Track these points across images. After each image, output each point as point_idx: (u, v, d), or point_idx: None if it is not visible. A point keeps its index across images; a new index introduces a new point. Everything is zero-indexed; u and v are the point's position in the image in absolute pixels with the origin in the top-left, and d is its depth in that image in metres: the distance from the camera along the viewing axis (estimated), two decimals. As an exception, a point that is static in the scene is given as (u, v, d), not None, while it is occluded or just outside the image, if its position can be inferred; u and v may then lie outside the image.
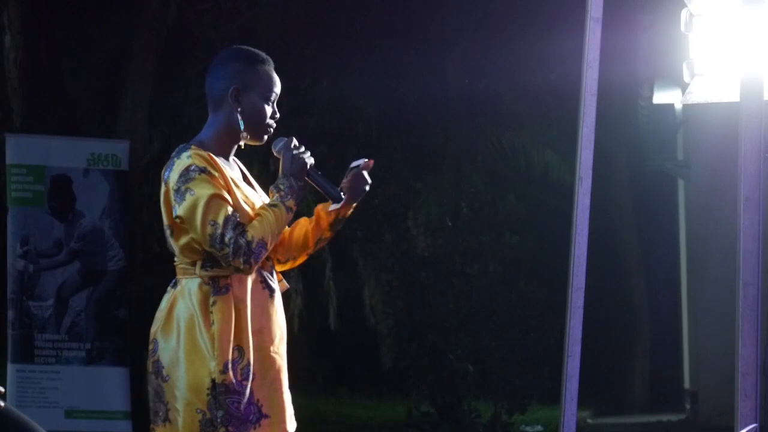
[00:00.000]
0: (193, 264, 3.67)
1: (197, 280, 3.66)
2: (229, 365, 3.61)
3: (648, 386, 15.78)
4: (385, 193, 14.25)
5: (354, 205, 3.87)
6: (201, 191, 3.60)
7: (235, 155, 3.84)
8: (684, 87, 5.14)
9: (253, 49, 3.81)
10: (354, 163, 3.87)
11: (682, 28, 4.96)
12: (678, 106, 13.55)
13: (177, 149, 3.72)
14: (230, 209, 3.61)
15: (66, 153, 9.24)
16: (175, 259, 3.72)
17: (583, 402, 5.02)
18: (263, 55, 3.79)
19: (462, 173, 13.81)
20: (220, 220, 3.58)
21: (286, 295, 3.90)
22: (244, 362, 3.64)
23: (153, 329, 3.71)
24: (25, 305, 9.03)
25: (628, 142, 15.34)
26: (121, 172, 9.28)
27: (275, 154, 3.80)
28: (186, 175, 3.62)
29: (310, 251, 3.89)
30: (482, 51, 12.29)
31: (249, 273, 3.66)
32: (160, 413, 3.68)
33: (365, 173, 3.84)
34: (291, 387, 3.81)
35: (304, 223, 3.88)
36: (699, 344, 13.07)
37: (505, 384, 11.60)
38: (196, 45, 12.22)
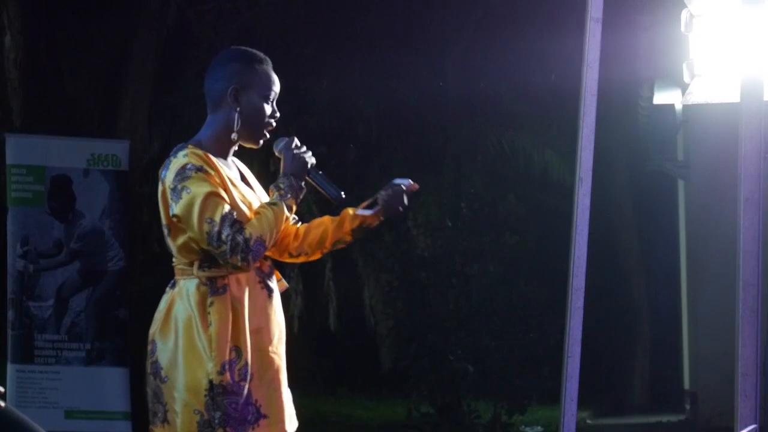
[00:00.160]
0: (191, 264, 3.67)
1: (195, 281, 3.66)
2: (227, 366, 3.61)
3: (648, 387, 15.79)
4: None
5: (382, 218, 3.83)
6: (197, 189, 3.60)
7: (236, 155, 3.84)
8: (684, 87, 5.14)
9: (251, 49, 3.81)
10: (397, 181, 3.83)
11: (683, 28, 4.97)
12: (678, 106, 13.54)
13: (175, 149, 3.73)
14: (227, 207, 3.61)
15: (66, 153, 9.24)
16: (174, 259, 3.73)
17: (582, 402, 5.02)
18: (261, 55, 3.79)
19: (462, 173, 13.81)
20: (217, 218, 3.58)
21: (285, 296, 3.90)
22: (242, 363, 3.64)
23: (151, 330, 3.71)
24: (25, 305, 9.03)
25: (628, 142, 15.34)
26: (121, 173, 9.28)
27: (276, 153, 3.80)
28: (182, 174, 3.62)
29: (325, 251, 3.88)
30: (482, 51, 12.30)
31: (247, 270, 3.66)
32: (159, 414, 3.68)
33: (405, 197, 3.82)
34: (291, 387, 3.81)
35: (325, 221, 3.86)
36: (699, 345, 13.06)
37: (504, 384, 11.60)
38: (196, 45, 12.23)
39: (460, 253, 12.20)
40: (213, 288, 3.65)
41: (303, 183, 3.75)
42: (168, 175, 3.66)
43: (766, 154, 4.55)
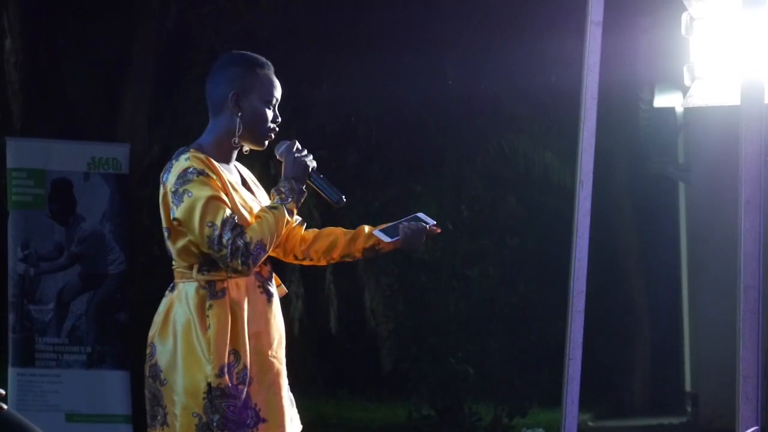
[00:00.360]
0: (190, 268, 3.67)
1: (194, 284, 3.66)
2: (225, 369, 3.61)
3: (649, 389, 15.78)
4: (385, 195, 14.24)
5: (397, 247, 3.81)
6: (199, 193, 3.60)
7: (239, 159, 3.84)
8: (685, 90, 5.14)
9: (252, 53, 3.81)
10: (422, 216, 3.81)
11: (683, 31, 4.97)
12: (679, 109, 13.54)
13: (177, 152, 3.73)
14: (228, 211, 3.61)
15: (66, 156, 9.23)
16: (173, 262, 3.72)
17: (584, 405, 5.02)
18: (263, 59, 3.79)
19: (462, 175, 13.80)
20: (218, 222, 3.58)
21: (286, 299, 3.90)
22: (240, 366, 3.64)
23: (150, 333, 3.71)
24: (26, 309, 9.02)
25: (628, 145, 15.34)
26: (122, 176, 9.27)
27: (278, 157, 3.80)
28: (184, 177, 3.62)
29: (332, 260, 3.88)
30: (482, 53, 12.30)
31: (247, 275, 3.65)
32: (158, 417, 3.68)
33: (425, 237, 3.80)
34: (291, 389, 3.80)
35: (337, 232, 3.86)
36: (700, 347, 13.06)
37: (505, 387, 11.61)
38: (196, 48, 12.23)
39: (460, 256, 12.20)
40: (212, 291, 3.65)
41: (304, 186, 3.75)
42: (169, 179, 3.65)
43: (767, 157, 4.55)
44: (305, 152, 3.78)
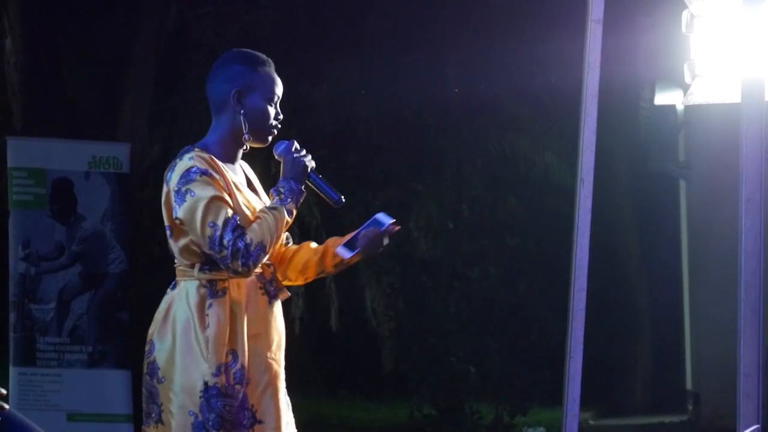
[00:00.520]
0: (192, 266, 3.67)
1: (195, 283, 3.66)
2: (222, 368, 3.61)
3: (650, 387, 15.78)
4: (386, 195, 14.24)
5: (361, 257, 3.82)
6: (201, 193, 3.60)
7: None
8: (685, 88, 5.14)
9: (253, 51, 3.81)
10: (380, 216, 3.81)
11: (683, 29, 4.97)
12: (679, 107, 13.55)
13: (181, 151, 3.73)
14: (230, 211, 3.61)
15: (67, 156, 9.23)
16: (175, 261, 3.73)
17: (585, 403, 5.02)
18: (264, 56, 3.79)
19: (462, 175, 13.80)
20: (220, 222, 3.58)
21: (286, 298, 3.89)
22: (238, 366, 3.63)
23: (150, 330, 3.72)
24: (27, 308, 9.02)
25: (629, 143, 15.33)
26: (122, 175, 9.28)
27: (276, 157, 3.80)
28: (187, 177, 3.62)
29: (309, 279, 3.88)
30: (482, 53, 12.29)
31: (247, 276, 3.65)
32: (153, 414, 3.68)
33: (386, 238, 3.81)
34: (291, 390, 3.80)
35: (308, 250, 3.86)
36: (701, 345, 13.06)
37: (506, 386, 11.61)
38: (196, 48, 12.22)
39: (461, 256, 12.21)
40: (212, 290, 3.65)
41: (303, 187, 3.75)
42: (173, 178, 3.66)
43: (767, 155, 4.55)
44: (304, 152, 3.78)
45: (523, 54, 11.75)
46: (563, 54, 10.26)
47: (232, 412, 3.61)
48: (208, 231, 3.58)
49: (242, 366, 3.63)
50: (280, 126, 3.80)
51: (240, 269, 3.60)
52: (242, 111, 3.72)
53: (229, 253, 3.57)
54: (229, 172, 3.71)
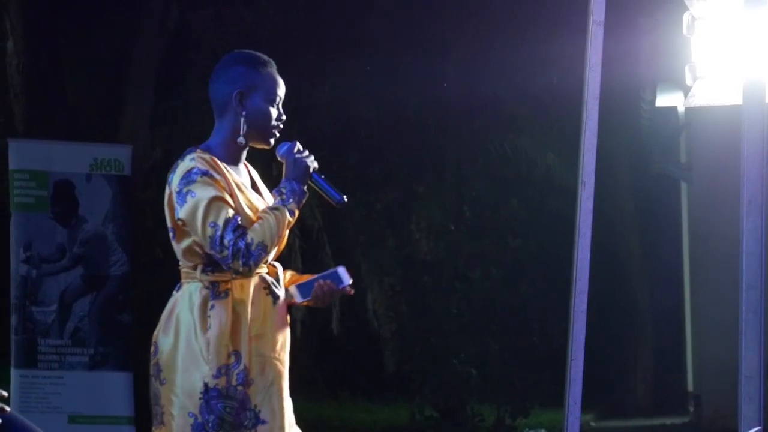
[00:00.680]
0: (195, 268, 3.68)
1: (198, 284, 3.67)
2: (223, 370, 3.61)
3: (651, 389, 15.78)
4: (387, 197, 14.24)
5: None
6: (202, 193, 3.61)
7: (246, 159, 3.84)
8: (686, 90, 5.15)
9: (254, 52, 3.81)
10: (341, 273, 3.81)
11: (685, 31, 4.97)
12: (680, 109, 13.53)
13: (183, 153, 3.73)
14: (231, 212, 3.61)
15: (68, 158, 9.23)
16: (179, 262, 3.73)
17: (586, 405, 5.02)
18: (265, 57, 3.79)
19: (464, 177, 13.80)
20: (221, 222, 3.59)
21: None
22: (241, 367, 3.63)
23: (155, 332, 3.73)
24: (28, 310, 9.02)
25: (630, 145, 15.34)
26: (124, 177, 9.28)
27: (279, 158, 3.80)
28: (188, 178, 3.63)
29: None
30: (483, 54, 12.29)
31: (249, 276, 3.65)
32: (158, 416, 3.69)
33: (337, 296, 3.81)
34: (293, 392, 3.80)
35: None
36: (702, 347, 13.06)
37: (508, 388, 11.61)
38: (197, 50, 12.23)
39: (462, 257, 12.21)
40: (215, 292, 3.66)
41: (305, 187, 3.75)
42: (174, 179, 3.66)
43: (769, 156, 4.55)
44: (306, 153, 3.78)
45: (524, 55, 11.75)
46: (564, 55, 10.26)
47: (233, 414, 3.61)
48: (209, 231, 3.59)
49: (245, 367, 3.63)
50: (282, 127, 3.80)
51: (241, 269, 3.60)
52: (244, 112, 3.73)
53: (230, 253, 3.58)
54: (232, 173, 3.71)
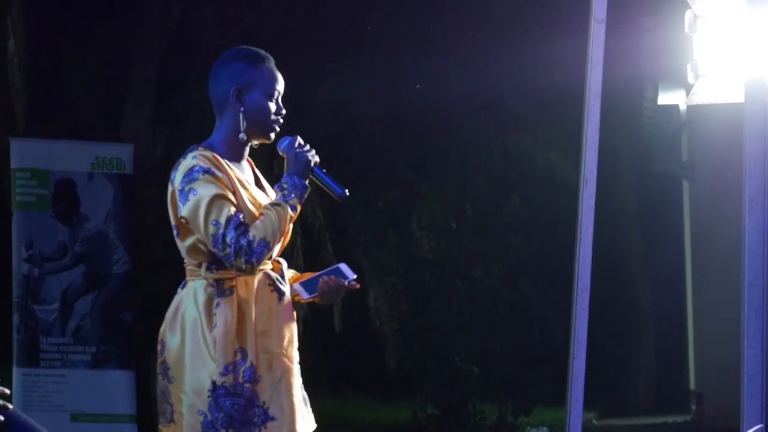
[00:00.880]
0: (200, 266, 3.68)
1: (203, 282, 3.67)
2: (230, 367, 3.61)
3: (653, 387, 15.76)
4: (389, 196, 14.23)
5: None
6: (204, 192, 3.61)
7: (250, 155, 3.84)
8: (688, 88, 5.15)
9: (252, 48, 3.81)
10: (343, 267, 3.79)
11: (686, 29, 4.97)
12: (682, 107, 13.53)
13: (186, 151, 3.74)
14: (233, 209, 3.62)
15: (70, 157, 9.25)
16: (184, 260, 3.74)
17: (588, 403, 5.02)
18: (263, 53, 3.79)
19: (465, 175, 13.79)
20: (222, 220, 3.59)
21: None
22: (247, 364, 3.64)
23: (161, 330, 3.73)
24: (30, 309, 9.03)
25: (632, 143, 15.32)
26: (125, 176, 9.29)
27: (280, 153, 3.80)
28: (190, 176, 3.64)
29: None
30: (485, 53, 12.28)
31: (251, 273, 3.66)
32: (167, 414, 3.69)
33: (344, 291, 3.78)
34: (297, 389, 3.80)
35: None
36: (704, 345, 13.06)
37: (509, 386, 11.61)
38: (198, 48, 12.22)
39: (464, 255, 12.21)
40: (220, 289, 3.66)
41: (307, 182, 3.75)
42: (177, 177, 3.67)
43: (771, 155, 4.55)
44: (307, 147, 3.78)
45: (526, 53, 11.75)
46: (566, 53, 10.25)
47: (242, 411, 3.61)
48: (211, 229, 3.59)
49: (252, 364, 3.64)
50: (282, 121, 3.80)
51: (243, 266, 3.60)
52: (242, 108, 3.73)
53: (232, 251, 3.58)
54: (235, 169, 3.71)
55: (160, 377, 3.70)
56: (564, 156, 14.09)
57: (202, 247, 3.66)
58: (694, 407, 13.86)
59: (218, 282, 3.66)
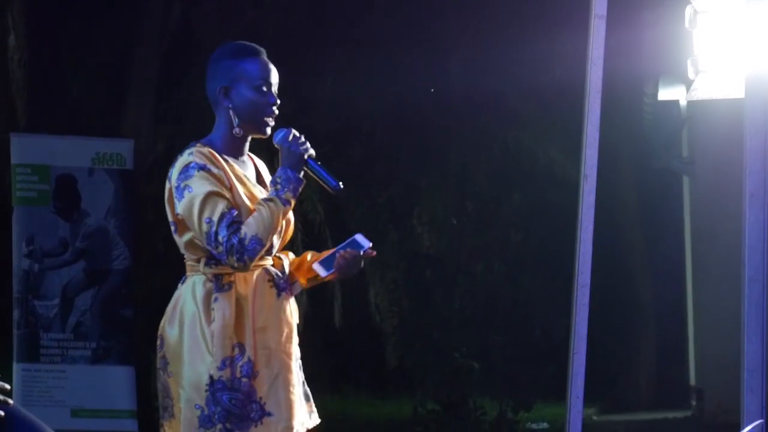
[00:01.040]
0: (198, 261, 3.69)
1: (202, 277, 3.68)
2: (228, 362, 3.62)
3: (653, 383, 15.77)
4: (390, 191, 14.23)
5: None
6: (198, 189, 3.61)
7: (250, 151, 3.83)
8: (689, 84, 5.15)
9: (242, 42, 3.78)
10: (358, 238, 3.78)
11: (687, 25, 4.97)
12: (683, 102, 13.52)
13: (184, 147, 3.74)
14: (227, 206, 3.61)
15: (71, 152, 9.25)
16: (184, 255, 3.74)
17: (588, 399, 5.02)
18: (252, 46, 3.76)
19: (466, 172, 13.79)
20: (215, 218, 3.59)
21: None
22: (245, 359, 3.64)
23: (161, 324, 3.74)
24: (31, 304, 9.04)
25: (632, 139, 15.32)
26: (126, 172, 9.29)
27: (275, 145, 3.79)
28: (185, 173, 3.64)
29: None
30: (486, 49, 12.28)
31: (245, 270, 3.65)
32: (168, 408, 3.70)
33: (362, 262, 3.76)
34: (297, 386, 3.80)
35: (288, 259, 3.82)
36: (704, 341, 13.06)
37: (510, 381, 11.61)
38: (199, 45, 12.22)
39: (464, 251, 12.20)
40: (218, 285, 3.66)
41: (301, 174, 3.73)
42: (173, 174, 3.67)
43: (771, 150, 4.55)
44: (302, 140, 3.75)
45: (526, 50, 11.74)
46: (567, 50, 10.25)
47: (239, 406, 3.61)
48: (205, 227, 3.60)
49: (249, 359, 3.64)
50: (276, 112, 3.77)
51: (236, 264, 3.61)
52: (230, 105, 3.72)
53: (224, 250, 3.58)
54: (234, 165, 3.71)
55: (160, 372, 3.71)
56: (564, 152, 14.09)
57: (199, 242, 3.66)
58: (694, 403, 13.86)
59: (217, 277, 3.66)
